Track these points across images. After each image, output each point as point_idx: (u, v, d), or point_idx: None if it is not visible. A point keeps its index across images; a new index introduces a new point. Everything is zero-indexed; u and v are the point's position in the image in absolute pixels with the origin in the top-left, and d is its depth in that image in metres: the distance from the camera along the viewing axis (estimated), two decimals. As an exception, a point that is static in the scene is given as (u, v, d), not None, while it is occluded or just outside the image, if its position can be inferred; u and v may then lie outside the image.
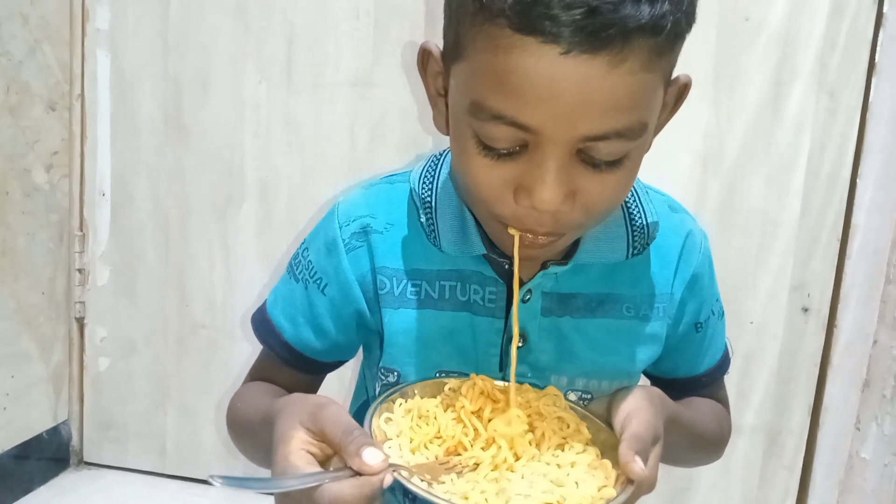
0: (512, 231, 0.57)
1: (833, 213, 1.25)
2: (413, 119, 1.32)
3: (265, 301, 0.76)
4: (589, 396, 0.69)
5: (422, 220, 0.66)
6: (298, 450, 0.50)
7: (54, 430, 1.50)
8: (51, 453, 1.50)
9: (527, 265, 0.64)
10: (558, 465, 0.55)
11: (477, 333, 0.68)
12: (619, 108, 0.49)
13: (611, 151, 0.52)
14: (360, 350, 0.79)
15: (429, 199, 0.67)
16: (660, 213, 0.69)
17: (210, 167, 1.42)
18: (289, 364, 0.73)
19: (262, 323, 0.74)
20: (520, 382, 0.66)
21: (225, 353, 1.47)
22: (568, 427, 0.60)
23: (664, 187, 1.23)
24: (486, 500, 0.51)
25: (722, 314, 0.78)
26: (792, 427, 1.32)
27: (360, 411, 0.81)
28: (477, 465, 0.55)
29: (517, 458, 0.55)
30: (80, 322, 1.52)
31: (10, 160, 1.32)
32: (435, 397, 0.62)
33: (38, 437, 1.46)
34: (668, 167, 1.25)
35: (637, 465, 0.51)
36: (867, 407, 1.24)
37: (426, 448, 0.56)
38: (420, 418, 0.59)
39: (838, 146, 1.23)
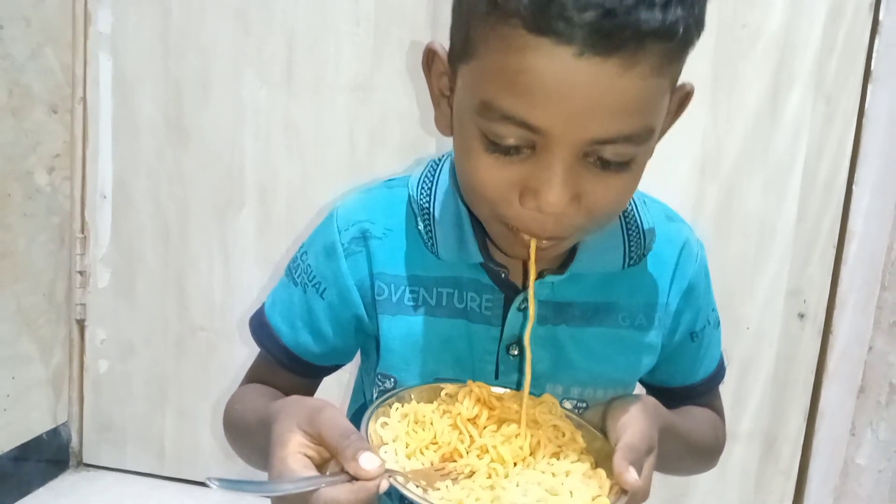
0: (526, 236, 0.56)
1: (829, 218, 1.25)
2: (412, 123, 1.32)
3: (263, 304, 0.76)
4: (584, 405, 0.69)
5: (420, 227, 0.66)
6: (295, 453, 0.50)
7: (54, 432, 1.50)
8: (50, 455, 1.50)
9: (523, 274, 0.64)
10: (553, 474, 0.55)
11: (473, 341, 0.67)
12: (628, 111, 0.49)
13: (618, 155, 0.52)
14: (358, 354, 0.78)
15: (427, 206, 0.67)
16: (656, 222, 0.69)
17: (210, 170, 1.43)
18: (286, 367, 0.73)
19: (259, 326, 0.74)
20: (515, 390, 0.66)
21: (223, 355, 1.48)
22: (563, 435, 0.60)
23: (663, 192, 1.22)
24: None
25: (718, 324, 0.78)
26: (788, 432, 1.32)
27: (357, 415, 0.81)
28: (472, 472, 0.55)
29: (514, 464, 0.55)
30: (81, 324, 1.52)
31: (11, 162, 1.32)
32: (432, 402, 0.62)
33: (37, 439, 1.46)
34: (667, 172, 1.25)
35: (631, 476, 0.51)
36: (862, 413, 1.25)
37: (422, 454, 0.56)
38: (416, 423, 0.58)
39: (835, 152, 1.23)
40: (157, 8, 1.39)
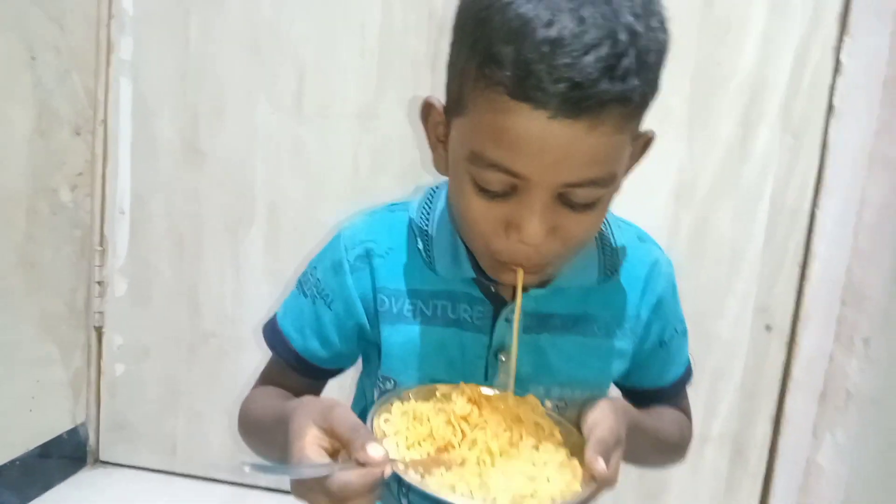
0: (514, 266, 0.63)
1: (794, 242, 1.29)
2: (412, 149, 1.36)
3: (275, 313, 0.80)
4: (564, 404, 0.74)
5: (419, 246, 0.72)
6: (312, 444, 0.55)
7: (73, 431, 1.53)
8: (69, 452, 1.53)
9: (510, 288, 0.69)
10: (533, 464, 0.60)
11: (465, 347, 0.73)
12: (594, 161, 0.56)
13: (586, 196, 0.59)
14: (360, 360, 0.83)
15: (426, 227, 0.72)
16: (629, 243, 0.75)
17: (223, 189, 1.46)
18: (295, 370, 0.78)
19: (272, 332, 0.79)
20: (502, 391, 0.72)
21: (233, 360, 1.51)
22: (543, 431, 0.65)
23: (641, 216, 1.28)
24: (470, 490, 0.56)
25: (685, 333, 0.83)
26: (756, 436, 1.35)
27: (361, 414, 0.86)
28: (463, 462, 0.59)
29: (500, 455, 0.60)
30: (99, 330, 1.55)
31: (39, 180, 1.37)
32: (428, 401, 0.66)
33: (58, 438, 1.49)
34: (645, 200, 1.28)
35: (600, 465, 0.56)
36: (823, 418, 1.27)
37: (420, 445, 0.61)
38: (415, 419, 0.63)
39: (800, 182, 1.27)
40: (176, 37, 1.42)
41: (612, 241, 0.73)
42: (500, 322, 0.71)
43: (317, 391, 0.81)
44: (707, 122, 1.27)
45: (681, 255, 1.30)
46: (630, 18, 0.53)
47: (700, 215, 1.31)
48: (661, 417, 0.80)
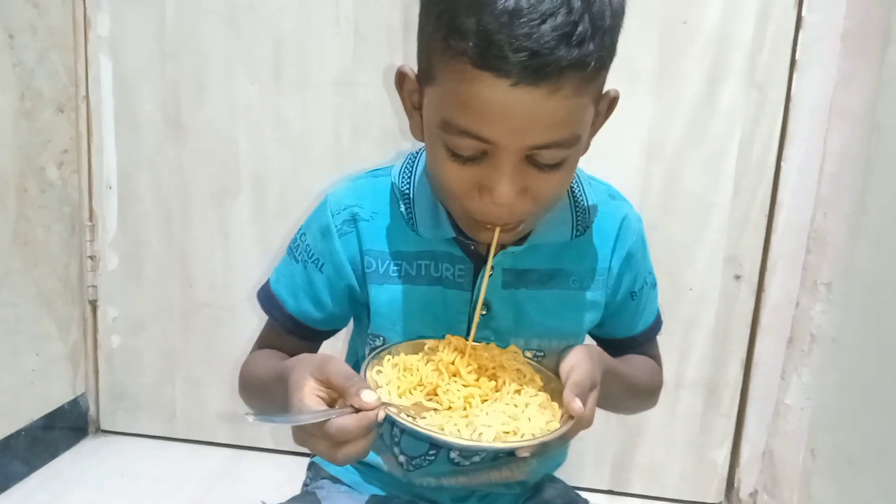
0: (489, 227, 0.66)
1: (761, 193, 1.31)
2: (391, 116, 1.37)
3: (268, 280, 0.82)
4: (542, 354, 0.78)
5: (401, 209, 0.74)
6: (310, 394, 0.58)
7: (74, 402, 1.56)
8: (71, 423, 1.56)
9: (489, 246, 0.73)
10: (515, 406, 0.63)
11: (448, 304, 0.76)
12: (557, 124, 0.59)
13: (552, 157, 0.61)
14: (350, 322, 0.85)
15: (407, 191, 0.75)
16: (600, 200, 0.77)
17: (207, 161, 1.46)
18: (291, 332, 0.80)
19: (267, 298, 0.81)
20: (485, 343, 0.75)
21: (226, 328, 1.53)
22: (525, 377, 0.68)
23: (614, 173, 1.31)
24: (458, 429, 0.59)
25: (654, 285, 0.86)
26: (727, 380, 1.39)
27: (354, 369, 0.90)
28: (450, 406, 0.63)
29: (483, 401, 0.64)
30: (94, 304, 1.57)
31: (26, 160, 1.37)
32: (417, 354, 0.70)
33: (60, 409, 1.51)
34: (618, 156, 1.31)
35: (577, 405, 0.60)
36: (790, 360, 1.32)
37: (410, 393, 0.64)
38: (405, 370, 0.66)
39: (765, 135, 1.29)
40: (152, 13, 1.41)
41: (585, 200, 0.76)
42: (480, 278, 0.74)
43: (311, 353, 0.84)
44: (675, 79, 1.29)
45: (653, 209, 1.33)
46: None
47: (670, 170, 1.33)
48: (634, 364, 0.83)
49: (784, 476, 1.32)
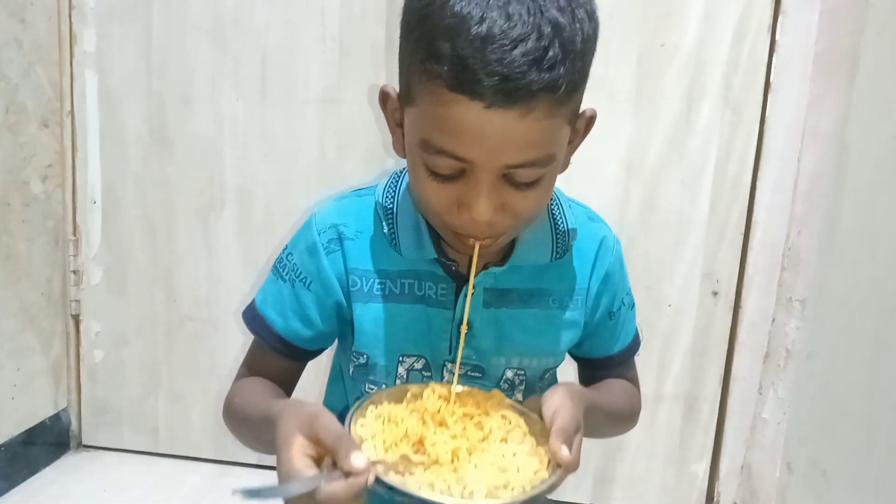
0: (471, 241, 0.67)
1: (737, 211, 1.33)
2: (375, 132, 1.39)
3: (254, 300, 0.82)
4: (523, 372, 0.79)
5: (385, 229, 0.75)
6: (299, 454, 0.58)
7: (56, 417, 1.54)
8: (53, 438, 1.54)
9: (470, 266, 0.74)
10: (503, 456, 0.62)
11: (431, 322, 0.76)
12: (530, 144, 0.60)
13: (528, 175, 0.63)
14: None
15: (391, 211, 0.76)
16: (579, 222, 0.79)
17: (192, 176, 1.47)
18: (279, 352, 0.80)
19: (253, 318, 0.81)
20: (466, 363, 0.76)
21: (210, 342, 1.52)
22: (510, 423, 0.67)
23: (594, 190, 1.33)
24: (448, 486, 0.58)
25: (632, 305, 0.87)
26: (706, 394, 1.41)
27: (338, 394, 0.89)
28: (438, 459, 0.61)
29: (470, 453, 0.63)
30: (76, 318, 1.56)
31: (10, 174, 1.37)
32: (400, 402, 0.68)
33: (41, 424, 1.50)
34: (598, 173, 1.33)
35: (564, 453, 0.60)
36: (767, 375, 1.34)
37: (396, 447, 0.62)
38: (389, 422, 0.64)
39: (741, 154, 1.31)
40: (138, 28, 1.42)
41: (565, 223, 0.77)
42: (463, 297, 0.75)
43: (298, 372, 0.84)
44: (653, 99, 1.31)
45: (631, 226, 1.35)
46: (555, 13, 0.56)
47: (648, 187, 1.35)
48: (613, 392, 0.84)
49: (762, 489, 1.34)
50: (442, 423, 0.65)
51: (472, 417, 0.67)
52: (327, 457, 0.58)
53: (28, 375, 1.46)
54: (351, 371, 0.81)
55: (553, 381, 0.89)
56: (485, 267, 0.75)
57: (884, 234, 1.01)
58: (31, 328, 1.46)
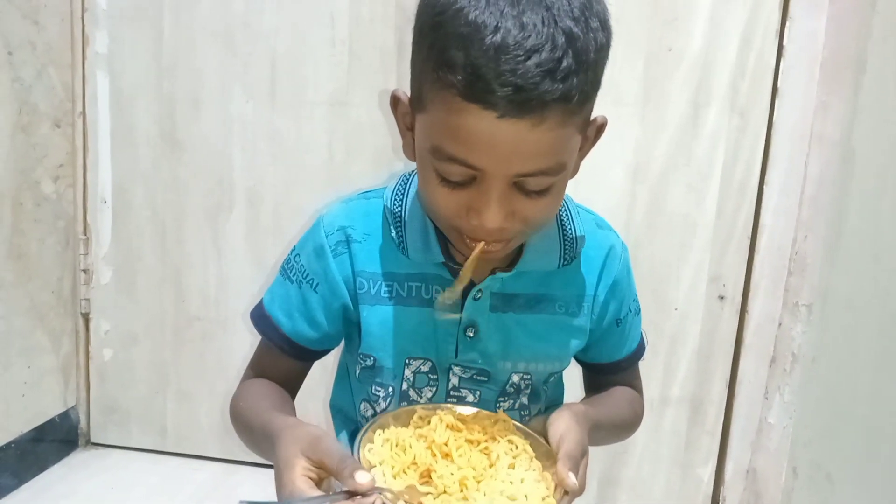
0: (473, 245, 0.67)
1: (744, 215, 1.33)
2: (384, 135, 1.39)
3: (262, 300, 0.82)
4: (528, 377, 0.79)
5: (392, 233, 0.75)
6: (301, 476, 0.58)
7: (65, 415, 1.55)
8: (62, 435, 1.55)
9: (478, 270, 0.73)
10: (511, 482, 0.62)
11: (437, 325, 0.77)
12: (542, 154, 0.60)
13: (538, 183, 0.63)
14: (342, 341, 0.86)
15: (399, 214, 0.76)
16: (588, 229, 0.79)
17: (202, 177, 1.47)
18: (286, 353, 0.80)
19: (261, 319, 0.81)
20: (471, 366, 0.76)
21: (218, 342, 1.53)
22: (516, 448, 0.67)
23: (601, 195, 1.33)
24: None
25: (638, 311, 0.87)
26: (712, 398, 1.40)
27: (339, 391, 0.89)
28: (446, 489, 0.60)
29: (478, 481, 0.63)
30: (86, 317, 1.57)
31: (22, 174, 1.38)
32: (408, 425, 0.68)
33: (50, 421, 1.51)
34: (604, 178, 1.33)
35: (571, 481, 0.61)
36: (773, 379, 1.34)
37: (405, 473, 0.62)
38: (397, 447, 0.64)
39: (748, 158, 1.31)
40: (150, 30, 1.43)
41: (573, 230, 0.77)
42: (469, 301, 0.75)
43: (304, 372, 0.85)
44: (659, 104, 1.31)
45: (638, 230, 1.35)
46: (569, 23, 0.56)
47: (655, 192, 1.35)
48: (616, 403, 0.85)
49: (767, 493, 1.33)
50: (448, 456, 0.65)
51: (478, 444, 0.67)
52: (327, 480, 0.59)
53: (38, 373, 1.47)
54: (357, 373, 0.82)
55: (558, 383, 0.90)
56: (492, 272, 0.76)
57: (889, 239, 1.01)
58: (41, 327, 1.47)
